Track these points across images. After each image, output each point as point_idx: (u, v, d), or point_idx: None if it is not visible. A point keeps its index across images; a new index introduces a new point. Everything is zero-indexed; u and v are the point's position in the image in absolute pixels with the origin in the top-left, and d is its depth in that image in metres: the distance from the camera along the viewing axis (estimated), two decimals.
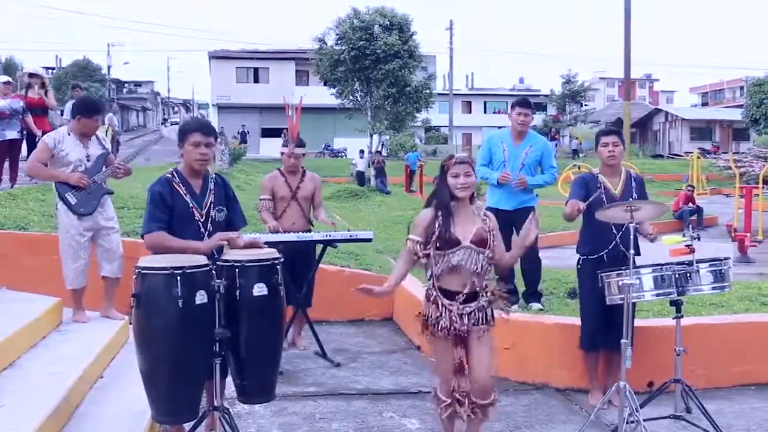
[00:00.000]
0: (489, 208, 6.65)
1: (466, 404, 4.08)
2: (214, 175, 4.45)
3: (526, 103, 6.87)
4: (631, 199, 5.09)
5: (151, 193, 4.22)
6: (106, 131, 21.44)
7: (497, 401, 4.19)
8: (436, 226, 4.03)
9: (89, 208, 6.10)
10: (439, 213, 4.05)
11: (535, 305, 6.74)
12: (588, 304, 5.26)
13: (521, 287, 6.92)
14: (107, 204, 6.32)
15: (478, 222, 4.09)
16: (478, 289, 4.07)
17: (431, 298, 4.10)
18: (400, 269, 4.20)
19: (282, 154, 6.67)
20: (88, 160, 6.18)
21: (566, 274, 7.69)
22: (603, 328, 5.16)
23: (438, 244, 4.02)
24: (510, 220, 6.57)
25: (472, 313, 4.04)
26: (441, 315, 4.03)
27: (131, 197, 9.51)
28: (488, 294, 4.11)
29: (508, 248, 4.46)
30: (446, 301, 4.04)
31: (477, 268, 4.02)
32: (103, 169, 6.23)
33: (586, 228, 5.35)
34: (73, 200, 6.06)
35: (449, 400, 4.12)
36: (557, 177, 7.35)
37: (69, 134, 6.18)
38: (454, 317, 4.02)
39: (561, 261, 8.57)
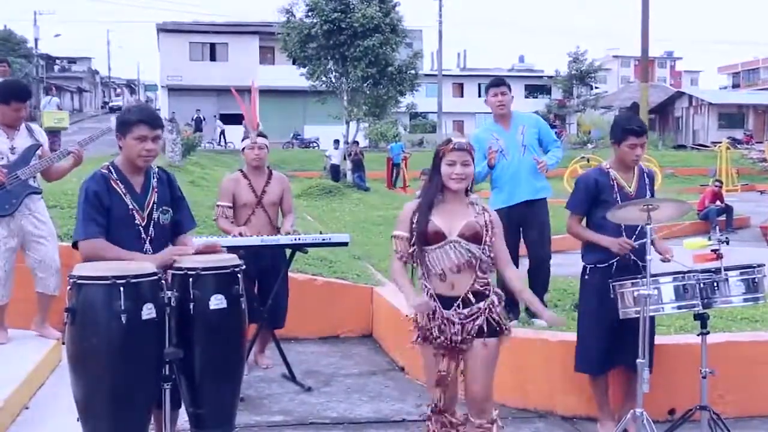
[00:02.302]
0: (497, 210, 6.70)
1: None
2: (156, 170, 4.42)
3: (499, 81, 7.21)
4: (648, 197, 5.12)
5: (85, 191, 4.18)
6: (61, 119, 21.50)
7: (500, 426, 4.16)
8: (415, 218, 4.09)
9: (7, 209, 6.06)
10: (419, 204, 4.12)
11: (539, 321, 6.75)
12: (596, 319, 5.23)
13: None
14: (37, 206, 6.28)
15: (471, 215, 4.12)
16: (478, 288, 4.08)
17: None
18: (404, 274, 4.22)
19: (243, 150, 6.66)
20: (13, 153, 6.17)
21: (573, 283, 7.72)
22: (613, 347, 5.14)
23: (423, 240, 4.05)
24: (519, 220, 6.77)
25: (470, 320, 4.05)
26: (430, 322, 4.05)
27: (64, 194, 9.44)
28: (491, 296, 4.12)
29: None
30: (443, 310, 4.04)
31: (465, 264, 4.03)
32: (32, 162, 6.19)
33: (593, 231, 5.35)
34: None
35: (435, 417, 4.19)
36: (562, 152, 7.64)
37: None
38: (445, 325, 4.03)
39: (567, 268, 8.59)
